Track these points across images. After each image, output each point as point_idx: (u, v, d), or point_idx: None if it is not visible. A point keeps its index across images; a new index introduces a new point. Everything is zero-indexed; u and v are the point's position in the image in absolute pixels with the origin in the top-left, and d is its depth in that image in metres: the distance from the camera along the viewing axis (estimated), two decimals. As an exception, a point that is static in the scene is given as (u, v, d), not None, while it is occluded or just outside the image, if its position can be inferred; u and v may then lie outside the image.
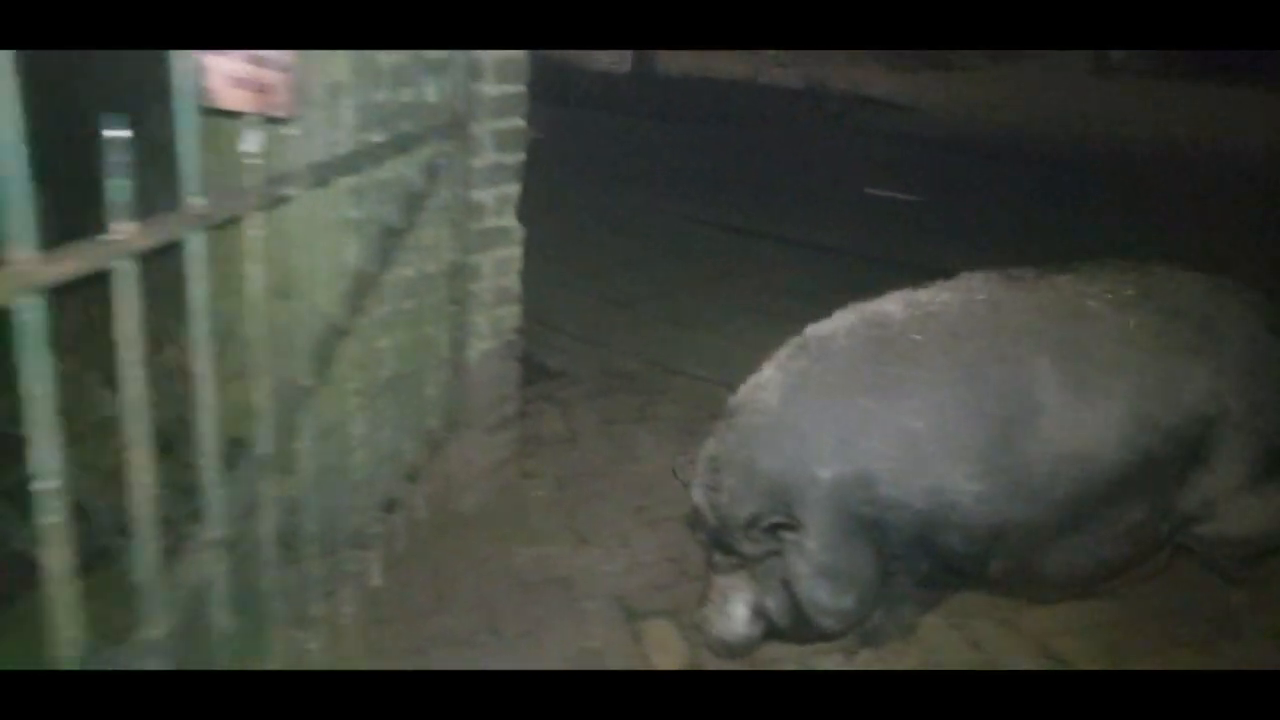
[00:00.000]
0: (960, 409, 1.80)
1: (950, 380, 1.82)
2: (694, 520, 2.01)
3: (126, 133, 1.11)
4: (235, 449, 1.56)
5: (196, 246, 1.35)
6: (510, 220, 2.67)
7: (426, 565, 2.36)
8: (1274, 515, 1.93)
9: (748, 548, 1.88)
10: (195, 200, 1.33)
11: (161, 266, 1.33)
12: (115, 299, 1.21)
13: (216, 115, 1.47)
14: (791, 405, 1.87)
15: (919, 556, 1.90)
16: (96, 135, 1.11)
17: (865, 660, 2.09)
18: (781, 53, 13.72)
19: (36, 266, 1.05)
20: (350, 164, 1.83)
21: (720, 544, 1.93)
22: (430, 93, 2.25)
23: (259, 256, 1.50)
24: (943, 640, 2.18)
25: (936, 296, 1.95)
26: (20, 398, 1.08)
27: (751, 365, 2.05)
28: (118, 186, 1.15)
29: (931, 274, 2.09)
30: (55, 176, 1.53)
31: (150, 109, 1.39)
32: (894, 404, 1.82)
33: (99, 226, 1.16)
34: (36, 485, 1.11)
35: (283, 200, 1.57)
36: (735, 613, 1.96)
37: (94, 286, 1.19)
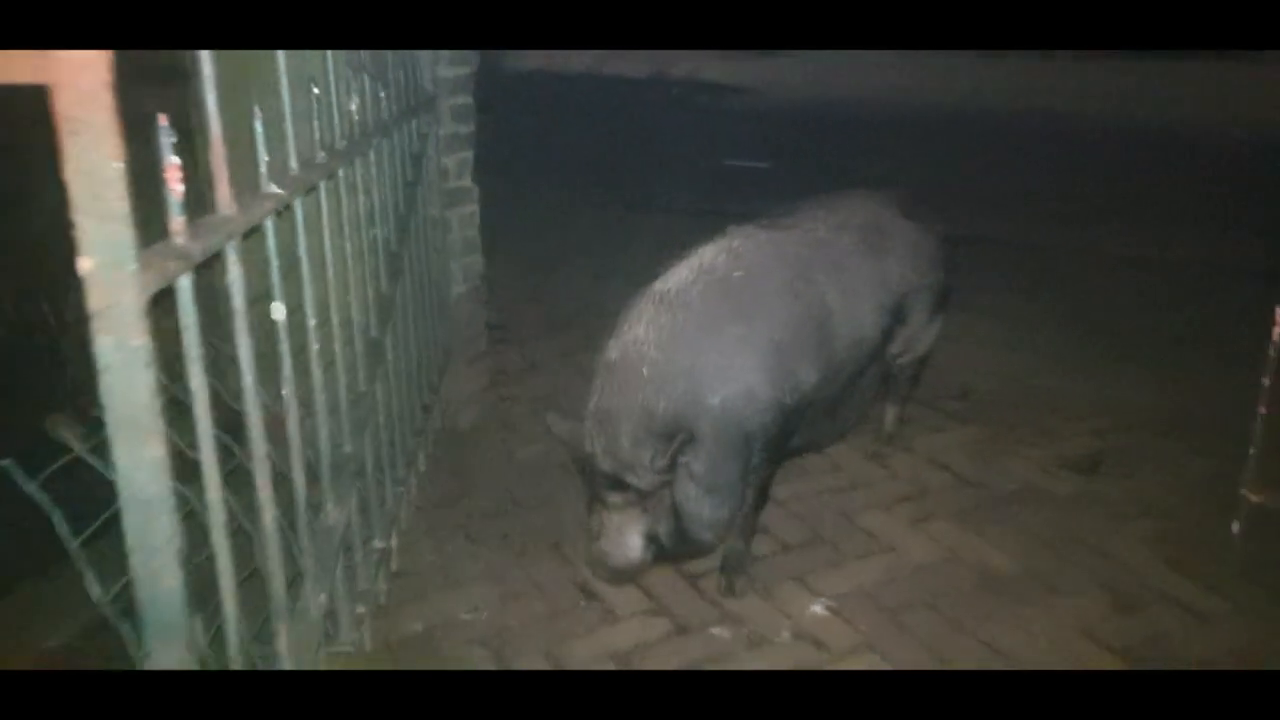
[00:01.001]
0: (797, 320, 2.23)
1: (782, 302, 2.23)
2: (581, 468, 2.17)
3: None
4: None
5: (308, 208, 1.61)
6: (469, 181, 3.15)
7: (446, 466, 2.83)
8: (936, 335, 2.81)
9: (645, 483, 2.06)
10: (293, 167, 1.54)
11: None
12: (229, 272, 1.25)
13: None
14: (672, 351, 2.09)
15: (774, 451, 2.25)
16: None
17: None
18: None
19: (189, 241, 1.07)
20: (385, 129, 2.29)
21: (616, 485, 2.09)
22: (414, 75, 2.71)
23: (338, 213, 1.93)
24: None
25: (732, 246, 2.30)
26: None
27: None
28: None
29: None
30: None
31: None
32: (754, 327, 2.17)
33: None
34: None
35: (360, 154, 2.02)
36: (632, 543, 2.14)
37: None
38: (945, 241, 2.75)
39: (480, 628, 2.18)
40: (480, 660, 2.08)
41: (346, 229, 1.86)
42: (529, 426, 3.13)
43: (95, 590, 1.40)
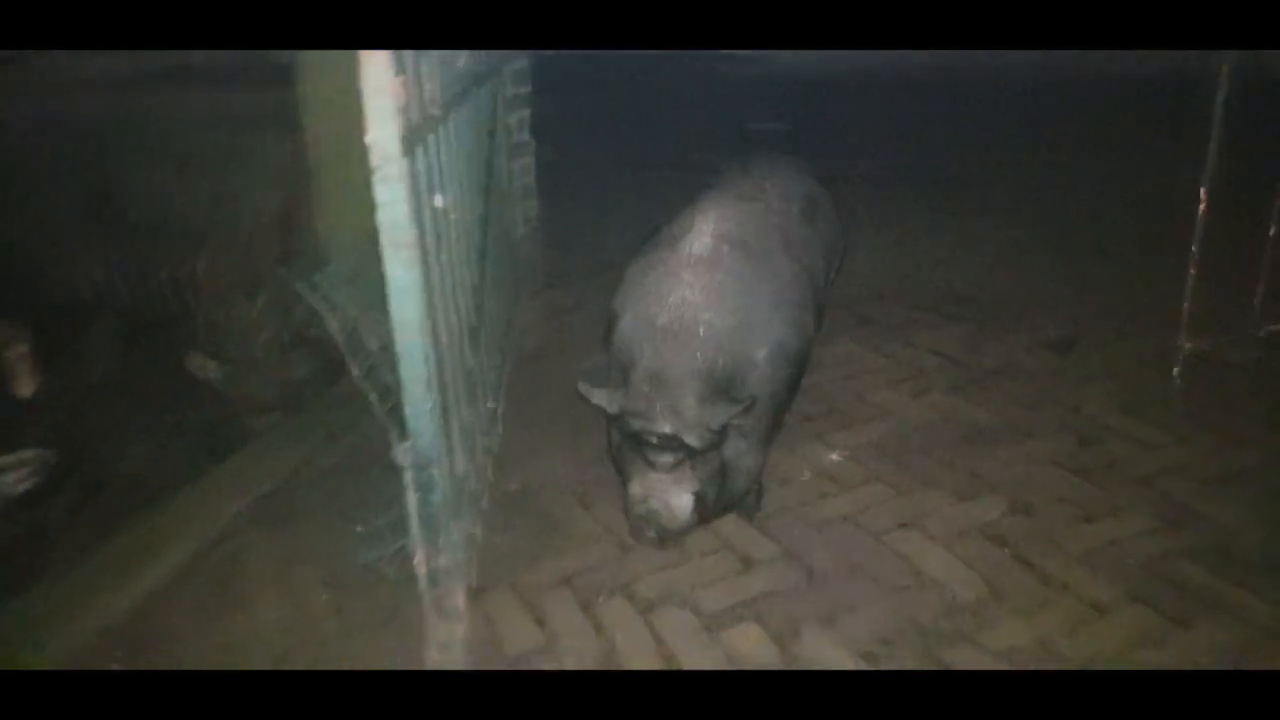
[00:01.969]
0: (799, 280, 2.49)
1: (785, 262, 2.46)
2: (625, 431, 2.16)
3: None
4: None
5: (446, 131, 2.25)
6: (527, 136, 3.71)
7: (522, 373, 3.39)
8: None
9: (703, 442, 2.10)
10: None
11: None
12: (430, 151, 1.83)
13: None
14: (720, 311, 2.18)
15: (795, 394, 2.46)
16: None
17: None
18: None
19: (413, 130, 1.68)
20: (481, 81, 2.82)
21: (667, 446, 2.11)
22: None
23: (461, 138, 2.48)
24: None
25: (728, 214, 2.47)
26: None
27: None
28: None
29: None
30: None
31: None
32: (778, 286, 2.36)
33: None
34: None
35: (463, 103, 2.56)
36: (684, 502, 2.16)
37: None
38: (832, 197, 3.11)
39: (567, 485, 2.73)
40: (569, 506, 2.62)
41: (462, 158, 2.40)
42: (584, 349, 3.67)
43: (375, 402, 1.92)
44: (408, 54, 1.61)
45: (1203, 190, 2.57)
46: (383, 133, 1.38)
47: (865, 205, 5.07)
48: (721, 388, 2.12)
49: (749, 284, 2.28)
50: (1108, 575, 2.18)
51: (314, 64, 3.05)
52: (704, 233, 2.37)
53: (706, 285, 2.22)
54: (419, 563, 1.67)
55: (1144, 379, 3.04)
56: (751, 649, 2.03)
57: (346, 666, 2.02)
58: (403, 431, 1.55)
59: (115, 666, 2.09)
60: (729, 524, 2.43)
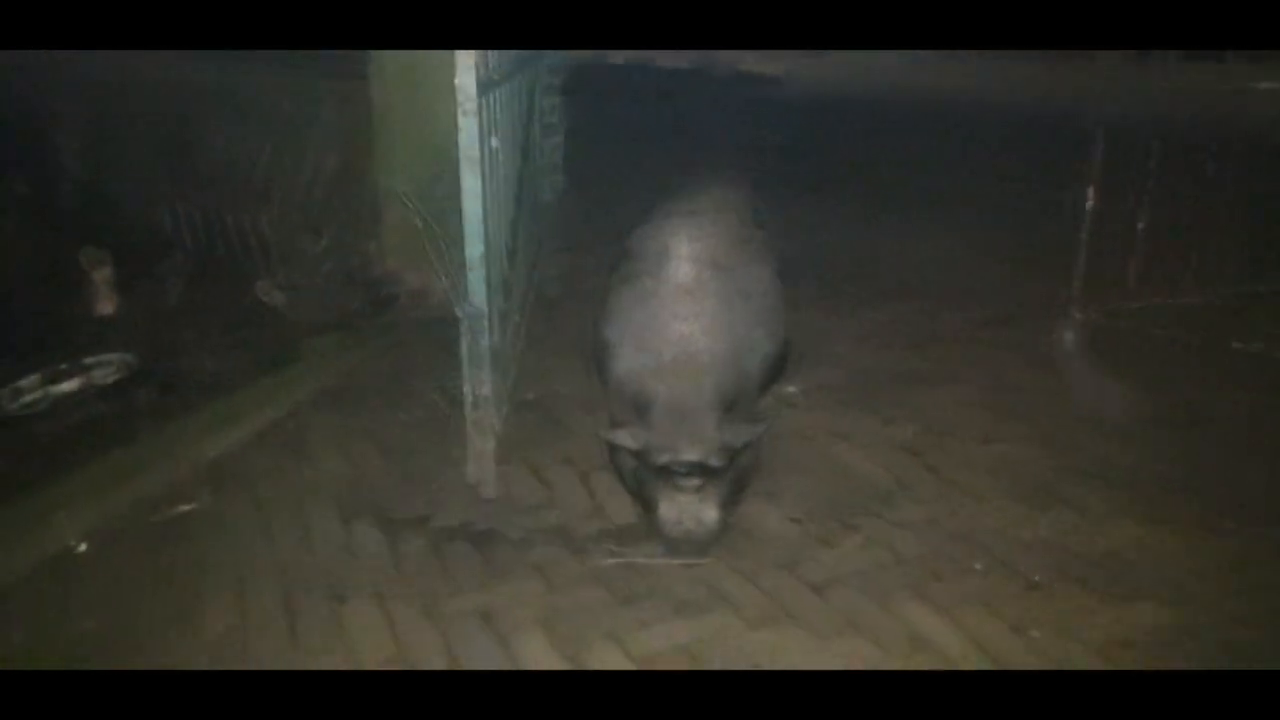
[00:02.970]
0: (772, 287, 2.72)
1: (756, 272, 2.67)
2: (651, 465, 2.27)
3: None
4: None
5: (496, 98, 2.94)
6: (557, 118, 4.34)
7: (541, 315, 4.00)
8: None
9: (724, 461, 2.26)
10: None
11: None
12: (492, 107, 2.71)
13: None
14: (714, 338, 2.38)
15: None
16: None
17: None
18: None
19: (482, 85, 2.47)
20: (524, 66, 3.45)
21: (694, 471, 2.25)
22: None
23: (508, 106, 3.11)
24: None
25: (695, 234, 2.61)
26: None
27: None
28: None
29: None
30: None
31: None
32: (758, 302, 2.58)
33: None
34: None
35: (508, 80, 3.19)
36: (713, 517, 2.32)
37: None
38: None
39: (572, 397, 3.33)
40: (573, 410, 3.22)
41: (510, 119, 3.02)
42: (598, 299, 4.29)
43: (442, 267, 2.47)
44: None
45: (1088, 204, 3.24)
46: (466, 79, 1.99)
47: (839, 209, 5.69)
48: (729, 405, 2.35)
49: (734, 305, 2.50)
50: (991, 479, 2.77)
51: (384, 54, 3.68)
52: (683, 257, 2.53)
53: (699, 314, 2.41)
54: (466, 391, 2.28)
55: (1050, 345, 3.68)
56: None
57: (396, 506, 2.63)
58: (463, 295, 2.16)
59: (197, 506, 2.64)
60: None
